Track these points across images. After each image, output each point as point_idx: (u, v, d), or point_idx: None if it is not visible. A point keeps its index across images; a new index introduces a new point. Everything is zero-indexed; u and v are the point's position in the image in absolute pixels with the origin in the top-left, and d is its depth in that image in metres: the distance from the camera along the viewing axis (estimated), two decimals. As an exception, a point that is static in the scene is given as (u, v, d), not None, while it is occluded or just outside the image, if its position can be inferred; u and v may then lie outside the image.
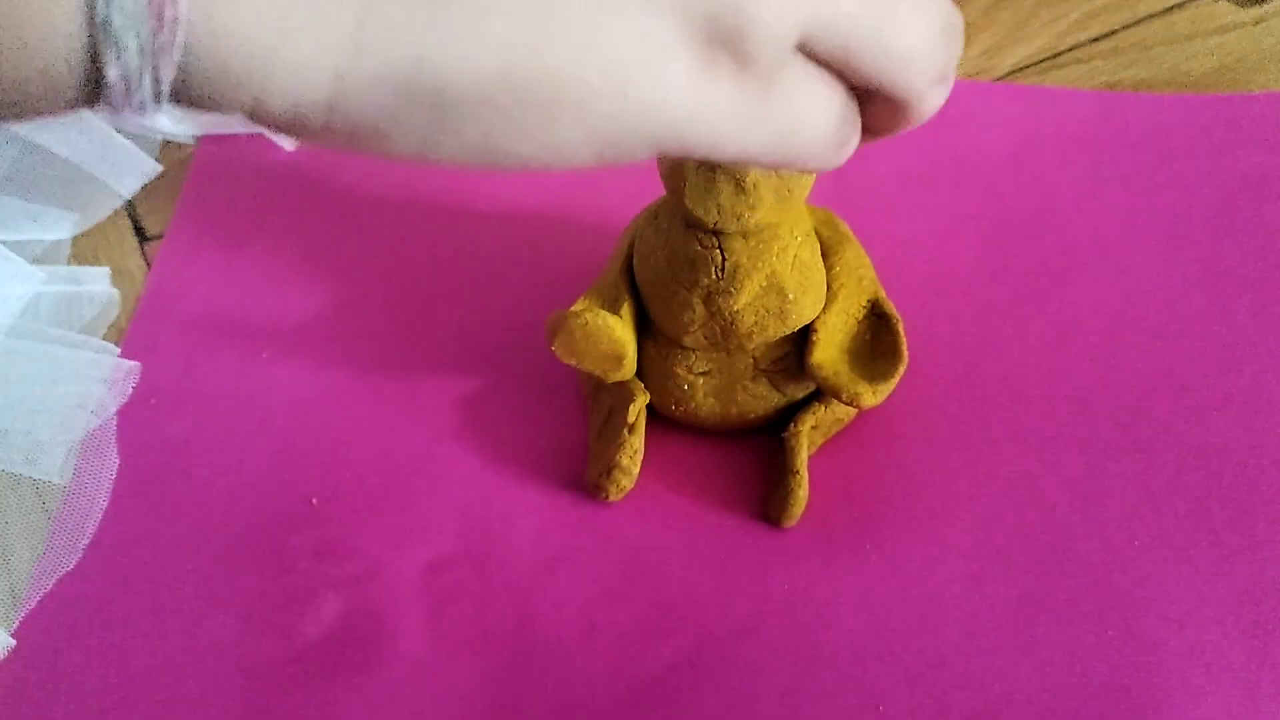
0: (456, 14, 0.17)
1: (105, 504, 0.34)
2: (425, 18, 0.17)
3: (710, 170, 0.28)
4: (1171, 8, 0.45)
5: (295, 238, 0.40)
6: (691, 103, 0.18)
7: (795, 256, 0.30)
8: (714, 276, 0.30)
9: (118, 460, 0.35)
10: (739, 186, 0.28)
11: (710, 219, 0.29)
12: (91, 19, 0.15)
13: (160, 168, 0.42)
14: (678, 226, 0.30)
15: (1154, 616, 0.30)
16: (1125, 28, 0.44)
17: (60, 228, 0.41)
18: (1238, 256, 0.37)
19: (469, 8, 0.17)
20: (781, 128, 0.20)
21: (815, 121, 0.20)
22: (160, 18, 0.15)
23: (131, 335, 0.38)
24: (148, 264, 0.40)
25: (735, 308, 0.30)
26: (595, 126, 0.18)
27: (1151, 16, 0.45)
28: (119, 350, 0.37)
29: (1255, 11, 0.44)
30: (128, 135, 0.42)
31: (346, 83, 0.17)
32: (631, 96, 0.18)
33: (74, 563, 0.33)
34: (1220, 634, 0.30)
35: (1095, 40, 0.44)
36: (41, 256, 0.41)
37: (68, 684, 0.31)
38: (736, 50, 0.18)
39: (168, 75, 0.16)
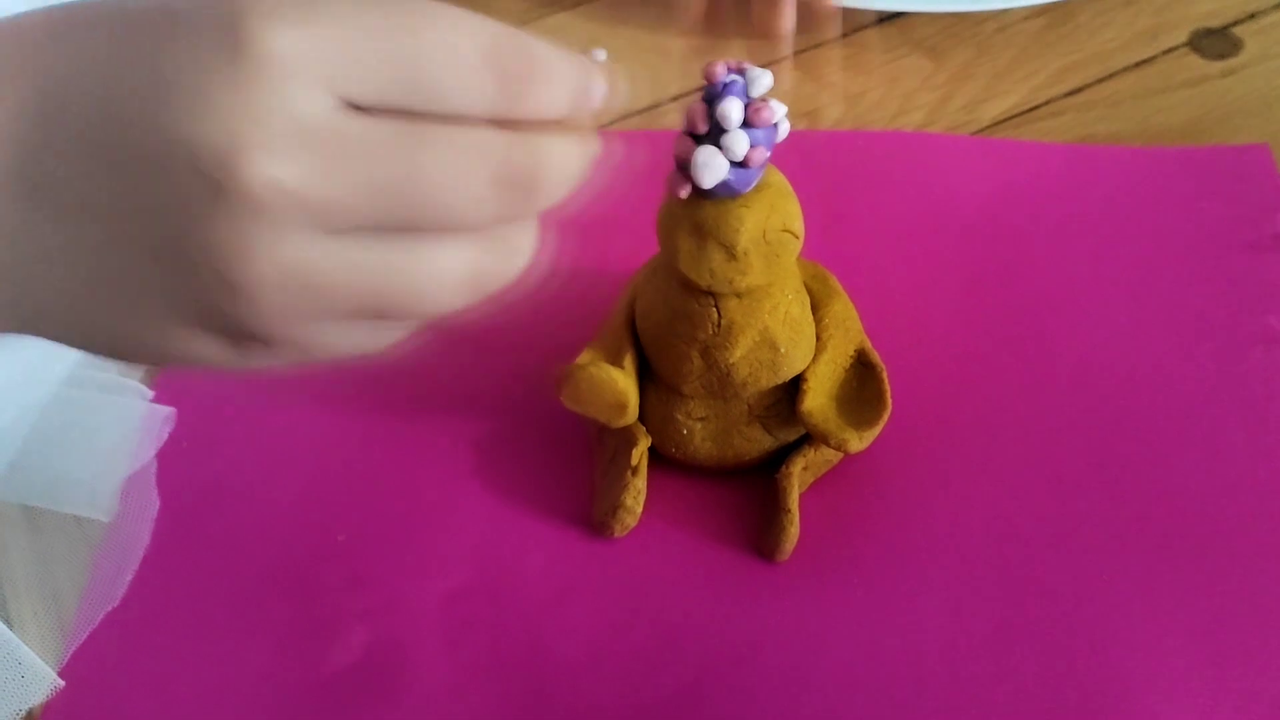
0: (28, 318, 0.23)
1: (147, 540, 0.36)
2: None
3: (702, 240, 0.31)
4: (1142, 62, 0.47)
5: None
6: (224, 363, 0.24)
7: (786, 313, 0.33)
8: (710, 332, 0.32)
9: (158, 501, 0.37)
10: (730, 255, 0.31)
11: (704, 283, 0.31)
12: None
13: None
14: (676, 286, 0.33)
15: (1121, 646, 0.32)
16: (1098, 81, 0.47)
17: None
18: (1201, 304, 0.39)
19: (49, 313, 0.23)
20: (305, 359, 0.24)
21: (346, 350, 0.25)
22: None
23: (162, 380, 0.40)
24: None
25: (730, 361, 0.33)
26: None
27: (1124, 70, 0.47)
28: (153, 394, 0.40)
29: (1223, 64, 0.47)
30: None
31: None
32: (181, 366, 0.24)
33: (119, 597, 0.35)
34: (1183, 663, 0.32)
35: (1069, 94, 0.46)
36: None
37: (115, 711, 0.33)
38: (261, 339, 0.23)
39: None
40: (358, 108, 0.21)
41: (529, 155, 0.23)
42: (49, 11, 0.23)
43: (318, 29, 0.21)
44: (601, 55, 0.30)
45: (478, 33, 0.22)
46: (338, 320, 0.23)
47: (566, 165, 0.24)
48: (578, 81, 0.24)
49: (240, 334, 0.23)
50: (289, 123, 0.20)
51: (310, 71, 0.21)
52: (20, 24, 0.23)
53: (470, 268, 0.23)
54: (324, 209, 0.21)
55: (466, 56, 0.22)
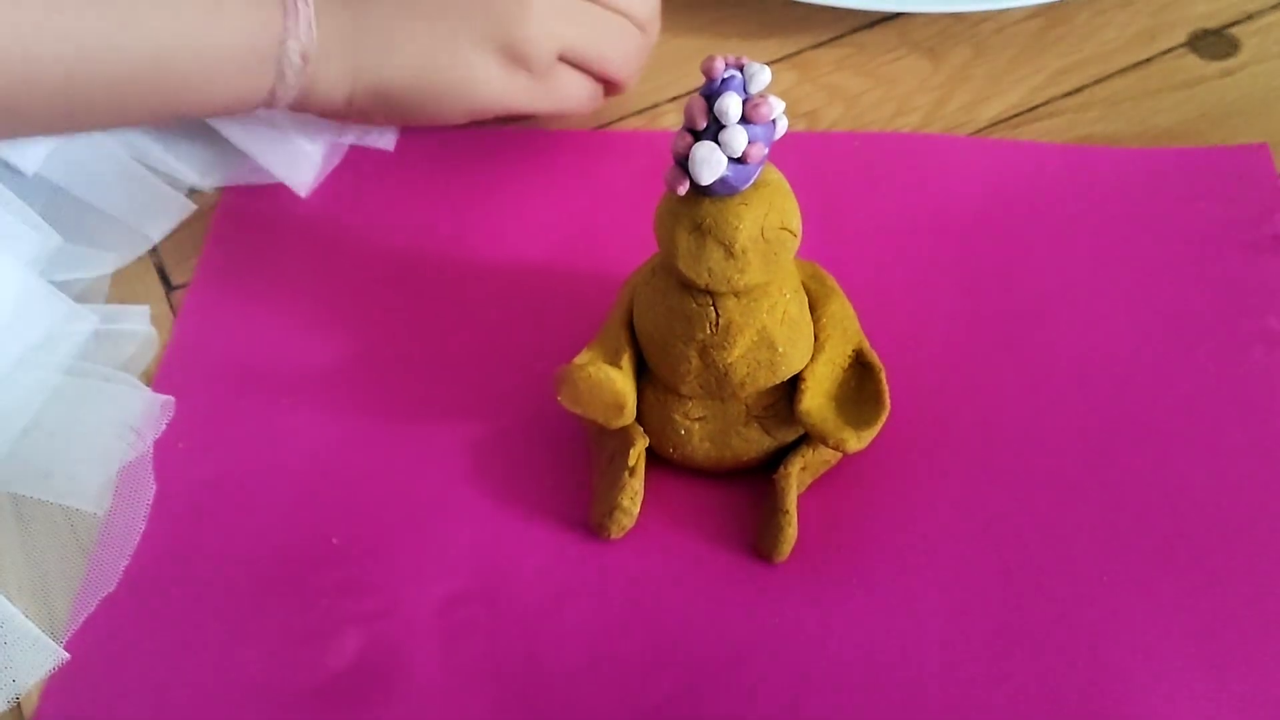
0: (377, 50, 0.39)
1: (142, 528, 0.36)
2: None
3: (701, 237, 0.31)
4: (1140, 62, 0.47)
5: (315, 288, 0.42)
6: (501, 89, 0.40)
7: (784, 312, 0.33)
8: (708, 332, 0.32)
9: (154, 487, 0.37)
10: (728, 253, 0.30)
11: (702, 281, 0.31)
12: (272, 95, 0.39)
13: (194, 206, 0.45)
14: (674, 285, 0.33)
15: (1121, 648, 0.32)
16: (1096, 82, 0.47)
17: (98, 265, 0.43)
18: (1199, 304, 0.39)
19: (389, 43, 0.39)
20: (554, 100, 0.42)
21: (574, 95, 0.42)
22: (301, 87, 0.39)
23: (159, 380, 0.40)
24: (173, 312, 0.43)
25: (728, 361, 0.33)
26: (455, 108, 0.41)
27: (1122, 71, 0.47)
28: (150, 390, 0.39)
29: (1221, 65, 0.47)
30: (159, 178, 0.44)
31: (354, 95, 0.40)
32: (473, 95, 0.40)
33: (114, 584, 0.35)
34: (1183, 664, 0.32)
35: (1067, 95, 0.46)
36: (80, 295, 0.42)
37: (108, 713, 0.33)
38: (525, 64, 0.39)
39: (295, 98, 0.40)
40: None
41: (643, 43, 0.43)
42: None
43: None
44: None
45: None
46: (564, 66, 0.40)
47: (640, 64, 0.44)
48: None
49: (516, 56, 0.39)
50: None
51: None
52: None
53: (633, 47, 0.42)
54: None
55: None
